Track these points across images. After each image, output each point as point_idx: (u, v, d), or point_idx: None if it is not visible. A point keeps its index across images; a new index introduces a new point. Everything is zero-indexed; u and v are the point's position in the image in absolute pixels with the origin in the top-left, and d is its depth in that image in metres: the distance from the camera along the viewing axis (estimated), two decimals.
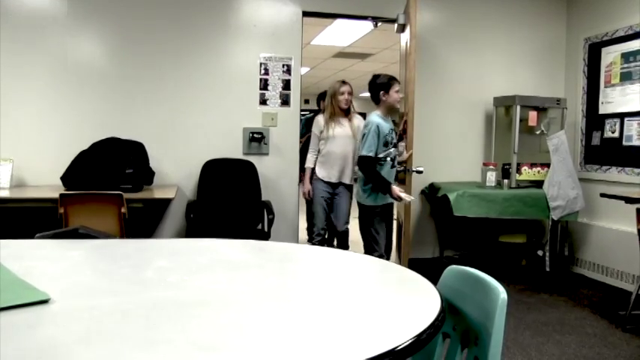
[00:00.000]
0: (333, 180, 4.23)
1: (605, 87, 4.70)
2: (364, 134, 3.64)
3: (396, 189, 3.61)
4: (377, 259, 1.74)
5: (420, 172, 3.99)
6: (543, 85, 5.10)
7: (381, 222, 3.79)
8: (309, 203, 4.38)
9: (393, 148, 3.73)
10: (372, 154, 3.59)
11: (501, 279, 1.23)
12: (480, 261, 4.81)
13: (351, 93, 4.24)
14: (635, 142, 4.38)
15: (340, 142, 4.20)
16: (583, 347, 3.16)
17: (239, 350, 0.93)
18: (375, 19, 4.80)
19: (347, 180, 4.26)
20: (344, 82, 4.25)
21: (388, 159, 3.69)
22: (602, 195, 3.89)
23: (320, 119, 4.30)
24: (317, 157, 4.30)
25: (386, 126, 3.66)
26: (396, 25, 4.54)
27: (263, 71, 4.59)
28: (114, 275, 1.42)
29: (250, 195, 4.46)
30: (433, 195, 4.78)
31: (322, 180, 4.24)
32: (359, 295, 1.33)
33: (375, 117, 3.67)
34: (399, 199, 3.63)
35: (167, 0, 4.41)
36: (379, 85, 3.72)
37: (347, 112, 4.28)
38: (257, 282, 1.39)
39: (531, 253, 4.86)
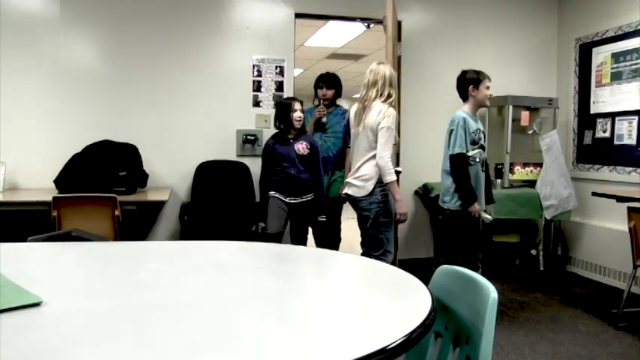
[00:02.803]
0: None
1: (596, 87, 4.73)
2: (451, 131, 3.34)
3: (477, 207, 3.31)
4: (368, 259, 1.74)
5: (398, 173, 3.72)
6: (535, 85, 5.13)
7: (467, 231, 3.35)
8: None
9: (480, 150, 3.42)
10: (463, 150, 3.30)
11: (495, 278, 1.24)
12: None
13: None
14: (626, 142, 4.41)
15: None
16: (576, 345, 3.18)
17: (232, 352, 0.93)
18: (367, 21, 4.81)
19: None
20: None
21: (477, 159, 3.38)
22: (594, 194, 3.91)
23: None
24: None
25: (473, 124, 3.38)
26: (383, 25, 4.54)
27: (256, 73, 4.59)
28: (107, 278, 1.42)
29: (244, 196, 4.46)
30: (427, 195, 4.79)
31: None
32: (351, 294, 1.33)
33: (462, 112, 3.39)
34: (477, 216, 3.32)
35: (160, 3, 4.41)
36: (469, 80, 3.44)
37: None
38: (250, 284, 1.39)
39: (525, 253, 4.88)
